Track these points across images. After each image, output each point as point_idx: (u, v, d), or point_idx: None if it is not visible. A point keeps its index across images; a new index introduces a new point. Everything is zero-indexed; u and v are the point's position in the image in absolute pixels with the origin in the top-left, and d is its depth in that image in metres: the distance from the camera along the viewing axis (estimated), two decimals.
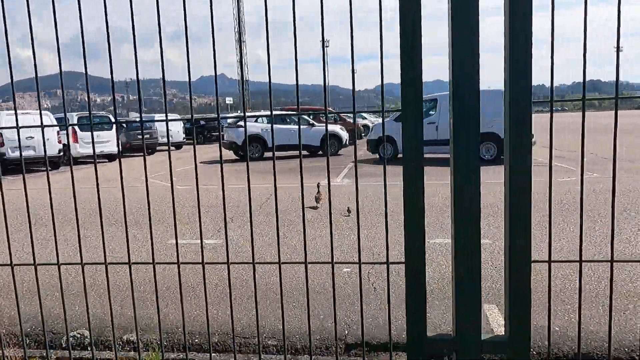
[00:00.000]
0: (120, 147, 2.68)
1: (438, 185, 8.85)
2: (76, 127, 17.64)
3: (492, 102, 12.84)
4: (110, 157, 19.08)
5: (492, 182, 8.99)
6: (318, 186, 7.87)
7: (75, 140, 17.64)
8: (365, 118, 36.08)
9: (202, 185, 10.55)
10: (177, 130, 25.77)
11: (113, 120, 19.31)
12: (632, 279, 3.91)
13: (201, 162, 17.00)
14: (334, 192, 8.93)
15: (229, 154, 18.21)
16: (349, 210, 7.14)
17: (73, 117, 17.96)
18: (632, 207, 6.64)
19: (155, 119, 25.39)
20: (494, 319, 3.28)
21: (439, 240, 5.28)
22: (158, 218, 7.11)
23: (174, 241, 5.46)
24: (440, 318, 3.38)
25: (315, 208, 7.69)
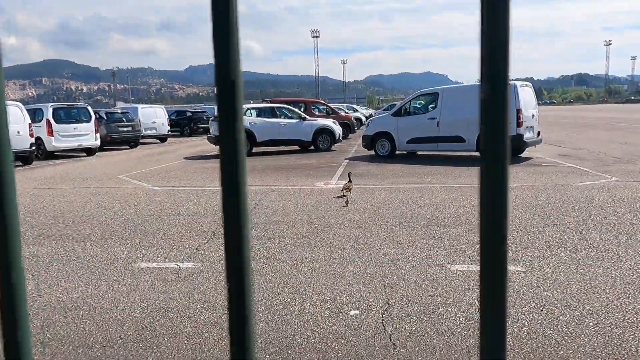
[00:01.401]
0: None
1: (445, 189, 7.99)
2: (51, 119, 16.51)
3: None
4: (89, 151, 17.92)
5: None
6: (349, 175, 8.03)
7: (50, 133, 16.46)
8: (357, 110, 35.17)
9: (184, 187, 9.70)
10: (162, 122, 24.60)
11: (92, 111, 18.19)
12: None
13: (185, 158, 15.97)
14: (328, 198, 8.01)
15: (215, 149, 17.16)
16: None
17: (47, 108, 16.74)
18: None
19: (139, 109, 24.27)
20: None
21: (461, 268, 4.39)
22: (128, 231, 6.13)
23: (144, 264, 4.52)
24: None
25: (342, 197, 7.72)
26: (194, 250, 5.17)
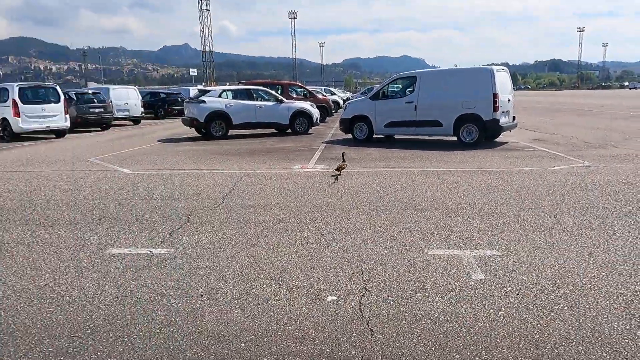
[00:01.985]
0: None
1: (422, 173, 7.97)
2: (17, 100, 15.88)
3: (472, 81, 12.13)
4: (58, 133, 17.35)
5: (480, 170, 8.14)
6: (343, 155, 8.68)
7: (17, 114, 15.85)
8: (335, 94, 34.97)
9: (157, 170, 9.49)
10: (135, 103, 23.99)
11: (61, 91, 17.55)
12: None
13: (159, 141, 15.62)
14: (305, 182, 7.93)
15: (190, 132, 16.85)
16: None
17: (13, 88, 16.08)
18: None
19: (111, 90, 23.59)
20: None
21: (439, 252, 4.39)
22: (99, 216, 5.94)
23: (115, 250, 4.38)
24: None
25: (335, 177, 8.07)
26: (168, 236, 5.04)
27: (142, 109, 24.51)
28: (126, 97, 23.63)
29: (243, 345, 2.87)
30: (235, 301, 3.46)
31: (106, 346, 2.89)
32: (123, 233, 5.17)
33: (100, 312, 3.34)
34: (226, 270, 4.05)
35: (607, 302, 3.31)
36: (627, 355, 2.67)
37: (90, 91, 22.16)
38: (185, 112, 16.11)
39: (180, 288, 3.70)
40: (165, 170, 9.42)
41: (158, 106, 29.97)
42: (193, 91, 27.04)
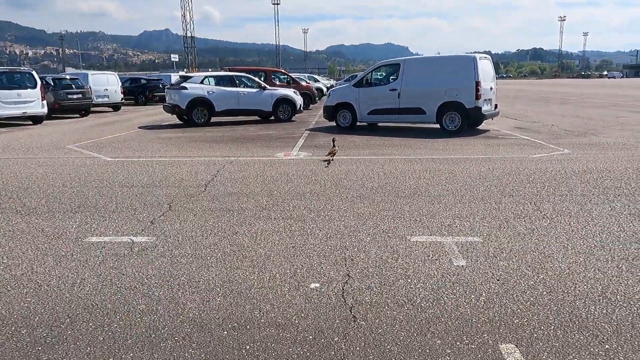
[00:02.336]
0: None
1: (405, 161, 7.99)
2: None
3: (455, 69, 12.16)
4: (35, 120, 16.94)
5: (462, 157, 8.21)
6: (333, 141, 8.76)
7: None
8: (318, 81, 34.82)
9: (138, 157, 9.35)
10: (115, 89, 23.52)
11: (37, 76, 17.08)
12: None
13: (139, 128, 15.37)
14: (288, 169, 7.90)
15: (172, 119, 16.62)
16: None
17: None
18: (623, 190, 6.04)
19: (90, 76, 23.09)
20: None
21: (421, 239, 4.41)
22: (78, 204, 5.84)
23: (95, 238, 4.30)
24: None
25: (327, 162, 8.26)
26: (149, 224, 4.97)
27: (122, 95, 24.06)
28: (106, 83, 23.16)
29: (225, 333, 2.85)
30: (218, 289, 3.43)
31: (86, 335, 2.85)
32: (103, 221, 5.08)
33: (80, 301, 3.28)
34: (208, 258, 4.01)
35: (585, 287, 3.37)
36: (603, 339, 2.72)
37: (68, 77, 21.67)
38: (167, 99, 15.86)
39: (162, 276, 3.66)
40: (146, 158, 9.28)
41: (138, 92, 29.48)
42: (174, 77, 26.62)
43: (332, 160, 8.36)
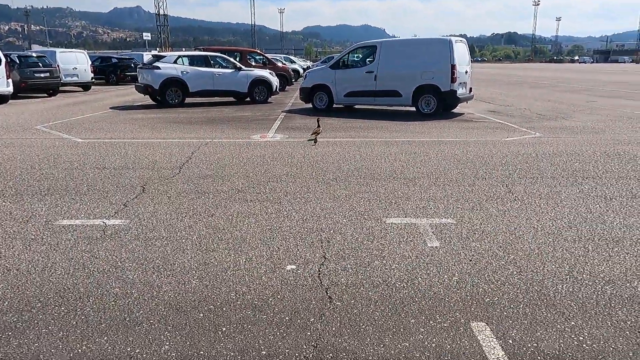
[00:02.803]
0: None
1: (381, 143, 8.02)
2: None
3: (431, 52, 12.20)
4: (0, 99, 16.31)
5: (437, 140, 8.30)
6: (318, 121, 8.96)
7: None
8: (295, 62, 34.47)
9: (110, 138, 9.14)
10: (84, 68, 22.79)
11: (1, 54, 16.40)
12: (628, 275, 3.34)
13: (111, 108, 14.99)
14: (264, 152, 7.85)
15: (144, 99, 16.25)
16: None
17: None
18: (591, 174, 6.23)
19: (58, 54, 22.31)
20: (489, 347, 2.53)
21: (396, 221, 4.47)
22: (47, 186, 5.68)
23: (66, 221, 4.21)
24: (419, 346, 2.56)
25: (312, 141, 8.49)
26: (122, 206, 4.88)
27: (92, 75, 23.34)
28: (75, 62, 22.40)
29: (202, 315, 2.85)
30: (194, 272, 3.41)
31: (58, 320, 2.80)
32: (74, 204, 4.97)
33: (51, 285, 3.22)
34: (184, 241, 3.98)
35: (553, 266, 3.48)
36: (569, 316, 2.83)
37: (34, 54, 20.87)
38: (139, 79, 15.48)
39: (136, 260, 3.61)
40: (118, 139, 9.08)
41: (109, 72, 28.67)
42: (147, 56, 25.95)
43: (317, 139, 8.51)
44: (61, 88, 20.62)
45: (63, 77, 20.87)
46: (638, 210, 4.73)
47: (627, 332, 2.66)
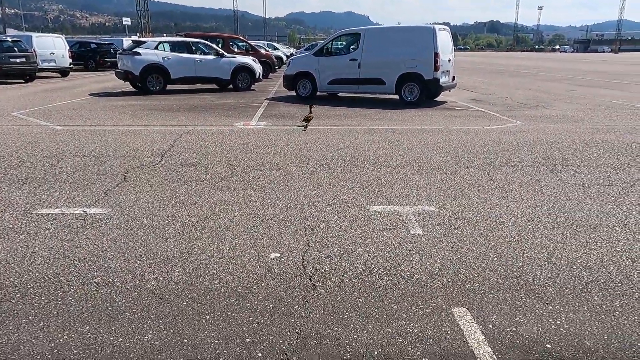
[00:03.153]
0: None
1: (365, 131, 8.04)
2: None
3: (415, 40, 12.20)
4: None
5: (420, 128, 8.39)
6: (310, 107, 8.98)
7: None
8: (278, 49, 34.15)
9: (89, 126, 8.98)
10: (62, 53, 22.24)
11: None
12: (604, 261, 3.43)
13: (90, 95, 14.70)
14: (248, 139, 7.80)
15: (124, 86, 15.96)
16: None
17: None
18: (571, 162, 6.34)
19: (34, 38, 21.71)
20: (470, 332, 2.59)
21: (380, 208, 4.50)
22: (25, 174, 5.57)
23: (45, 210, 4.14)
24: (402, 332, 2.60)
25: (303, 127, 8.59)
26: (102, 195, 4.82)
27: (71, 60, 22.80)
28: (52, 47, 21.83)
29: (185, 303, 2.84)
30: (177, 260, 3.40)
31: (38, 310, 2.77)
32: (53, 192, 4.88)
33: (31, 275, 3.17)
34: (166, 229, 3.95)
35: (532, 252, 3.55)
36: (547, 300, 2.90)
37: (9, 39, 20.26)
38: (119, 65, 15.17)
39: (118, 248, 3.58)
40: (98, 126, 8.92)
41: (88, 57, 28.02)
42: (127, 42, 25.43)
43: (307, 126, 8.60)
44: (38, 74, 20.13)
45: (40, 63, 20.36)
46: (614, 197, 4.84)
47: (603, 316, 2.74)
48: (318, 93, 13.42)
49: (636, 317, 2.73)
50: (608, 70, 30.55)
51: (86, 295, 2.93)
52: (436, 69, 11.76)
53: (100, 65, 27.95)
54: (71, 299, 2.89)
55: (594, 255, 3.52)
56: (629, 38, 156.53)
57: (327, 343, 2.49)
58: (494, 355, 2.39)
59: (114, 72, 16.57)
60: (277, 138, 7.86)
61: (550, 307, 2.82)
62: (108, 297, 2.91)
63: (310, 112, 8.77)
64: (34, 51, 19.74)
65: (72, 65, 23.04)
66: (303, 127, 8.60)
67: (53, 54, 21.69)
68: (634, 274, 3.24)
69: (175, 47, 15.28)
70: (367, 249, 3.59)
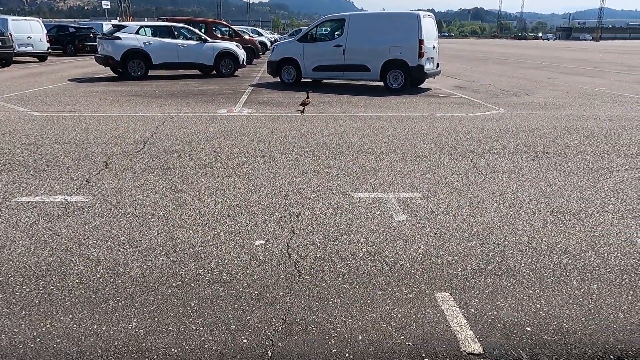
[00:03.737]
0: None
1: (349, 118, 8.05)
2: None
3: (399, 26, 12.17)
4: None
5: (404, 115, 8.43)
6: (307, 93, 9.36)
7: None
8: (262, 35, 33.79)
9: (69, 112, 8.80)
10: (40, 37, 21.68)
11: None
12: (583, 245, 3.51)
13: (69, 80, 14.39)
14: (232, 126, 7.74)
15: (105, 71, 15.65)
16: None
17: None
18: (551, 149, 6.44)
19: (10, 22, 21.11)
20: (453, 316, 2.63)
21: (364, 195, 4.52)
22: (3, 162, 5.46)
23: (25, 198, 4.07)
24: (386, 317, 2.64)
25: (300, 112, 8.86)
26: (84, 183, 4.75)
27: (49, 45, 22.25)
28: (29, 30, 21.25)
29: (169, 291, 2.84)
30: (160, 248, 3.38)
31: (19, 299, 2.73)
32: (33, 180, 4.80)
33: (11, 264, 3.13)
34: (150, 217, 3.92)
35: (514, 238, 3.62)
36: (527, 285, 2.96)
37: None
38: (99, 50, 14.86)
39: (100, 237, 3.54)
40: (79, 113, 8.75)
41: (67, 42, 27.41)
42: (107, 26, 24.89)
43: (304, 110, 8.93)
44: (15, 59, 19.62)
45: (17, 47, 19.83)
46: (594, 183, 4.94)
47: (581, 299, 2.81)
48: (302, 79, 13.34)
49: (612, 300, 2.81)
50: (589, 58, 30.92)
51: (68, 284, 2.90)
52: (421, 55, 11.76)
53: (79, 50, 27.38)
54: (53, 287, 2.86)
55: (573, 240, 3.60)
56: (610, 26, 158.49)
57: (312, 329, 2.51)
58: (475, 339, 2.44)
59: (93, 57, 16.22)
60: (261, 125, 7.81)
61: (530, 291, 2.88)
62: (91, 285, 2.89)
63: (308, 97, 9.11)
64: (10, 35, 19.20)
65: (50, 50, 22.51)
66: (300, 112, 8.79)
67: (30, 37, 21.14)
68: (611, 258, 3.32)
69: (157, 31, 15.01)
70: (352, 236, 3.61)
